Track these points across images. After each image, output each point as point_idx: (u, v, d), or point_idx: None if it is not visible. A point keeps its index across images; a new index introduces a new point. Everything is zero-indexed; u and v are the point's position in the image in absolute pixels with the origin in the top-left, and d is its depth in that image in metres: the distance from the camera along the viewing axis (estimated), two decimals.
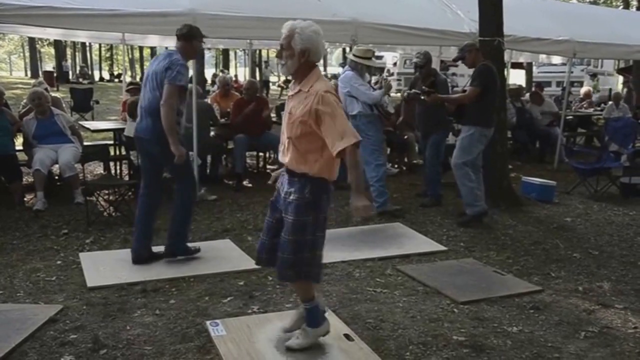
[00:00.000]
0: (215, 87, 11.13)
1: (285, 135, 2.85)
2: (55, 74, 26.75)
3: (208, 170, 7.26)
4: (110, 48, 41.85)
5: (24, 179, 6.35)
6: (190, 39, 4.25)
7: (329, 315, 3.40)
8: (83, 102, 13.13)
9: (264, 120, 7.15)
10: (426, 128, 6.36)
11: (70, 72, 32.40)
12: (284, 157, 2.87)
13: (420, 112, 6.33)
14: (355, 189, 2.71)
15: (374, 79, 10.10)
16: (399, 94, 11.46)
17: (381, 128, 5.93)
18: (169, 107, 4.02)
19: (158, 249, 4.44)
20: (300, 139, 2.76)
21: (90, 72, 34.55)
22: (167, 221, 4.43)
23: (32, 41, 31.70)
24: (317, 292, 3.05)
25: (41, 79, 13.93)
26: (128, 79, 12.40)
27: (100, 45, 39.39)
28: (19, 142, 6.56)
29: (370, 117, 5.75)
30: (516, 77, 15.64)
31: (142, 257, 4.32)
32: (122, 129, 6.43)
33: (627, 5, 22.60)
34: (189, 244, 4.49)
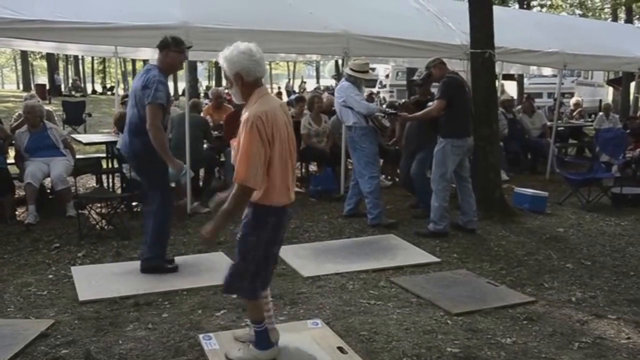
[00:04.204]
0: (208, 99, 11.15)
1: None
2: (47, 87, 26.72)
3: (201, 183, 7.24)
4: (103, 61, 41.84)
5: (15, 193, 6.30)
6: (163, 49, 4.15)
7: (322, 328, 3.39)
8: (75, 115, 13.15)
9: None
10: (410, 147, 6.34)
11: (63, 85, 32.37)
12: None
13: (406, 132, 6.38)
14: (217, 216, 2.74)
15: (366, 91, 10.17)
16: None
17: (376, 140, 5.92)
18: (155, 129, 4.01)
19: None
20: None
21: (82, 85, 34.52)
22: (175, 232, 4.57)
23: (24, 54, 31.62)
24: (273, 328, 3.07)
25: (33, 92, 13.91)
26: (121, 92, 12.39)
27: (92, 58, 39.35)
28: (11, 155, 6.53)
29: (365, 129, 5.76)
30: (507, 89, 15.71)
31: (150, 267, 4.31)
32: (115, 142, 6.41)
33: (615, 18, 22.86)
34: (170, 260, 4.46)
